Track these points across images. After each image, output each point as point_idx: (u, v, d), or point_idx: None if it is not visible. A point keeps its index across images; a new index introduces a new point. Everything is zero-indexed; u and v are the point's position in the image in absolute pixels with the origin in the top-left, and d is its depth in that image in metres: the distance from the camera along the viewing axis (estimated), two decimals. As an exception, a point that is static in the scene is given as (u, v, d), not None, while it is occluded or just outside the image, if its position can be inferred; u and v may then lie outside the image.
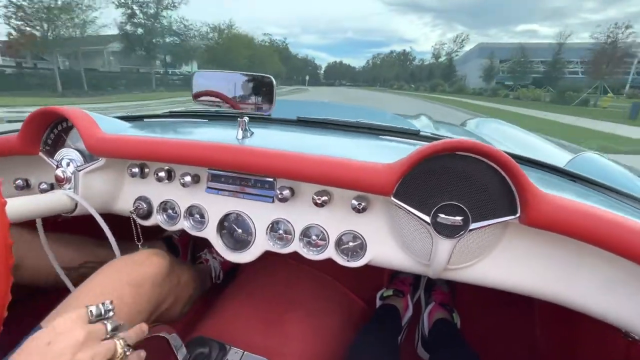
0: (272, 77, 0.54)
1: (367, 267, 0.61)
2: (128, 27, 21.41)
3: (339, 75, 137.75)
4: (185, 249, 1.11)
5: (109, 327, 0.41)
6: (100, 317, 0.42)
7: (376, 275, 1.13)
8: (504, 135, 1.39)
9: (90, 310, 0.41)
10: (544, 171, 0.69)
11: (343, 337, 0.86)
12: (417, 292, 1.09)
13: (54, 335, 0.38)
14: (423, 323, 0.98)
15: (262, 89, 0.56)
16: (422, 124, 1.26)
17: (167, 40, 23.38)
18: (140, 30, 21.50)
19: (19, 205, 0.54)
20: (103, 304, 0.43)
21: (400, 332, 0.95)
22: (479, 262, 0.52)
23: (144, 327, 0.47)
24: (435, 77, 61.14)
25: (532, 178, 0.45)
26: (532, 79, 39.38)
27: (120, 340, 0.41)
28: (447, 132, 1.12)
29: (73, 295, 0.55)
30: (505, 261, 0.51)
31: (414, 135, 0.79)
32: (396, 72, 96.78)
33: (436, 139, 0.77)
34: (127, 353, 0.41)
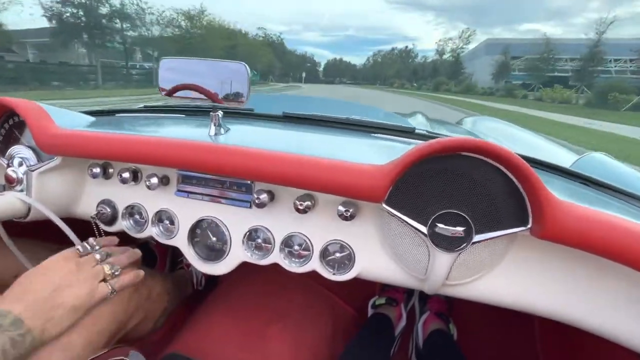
0: (245, 64, 0.47)
1: None
2: (59, 7, 16.75)
3: (338, 72, 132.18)
4: (163, 255, 1.03)
5: (97, 256, 0.50)
6: (87, 252, 0.50)
7: (368, 282, 1.06)
8: (503, 134, 1.33)
9: (78, 249, 0.50)
10: (550, 173, 0.63)
11: (332, 349, 0.80)
12: (412, 300, 1.03)
13: (45, 269, 0.46)
14: (417, 333, 0.92)
15: (235, 78, 0.49)
16: (418, 122, 1.20)
17: (116, 25, 19.05)
18: (77, 13, 17.11)
19: None
20: (87, 241, 0.51)
21: (393, 343, 0.89)
22: (482, 278, 0.46)
23: (140, 273, 0.54)
24: (439, 75, 56.34)
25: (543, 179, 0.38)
26: (556, 77, 33.09)
27: (107, 265, 0.49)
28: (445, 131, 1.05)
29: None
30: (512, 278, 0.45)
31: (409, 133, 0.72)
32: (397, 69, 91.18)
33: (433, 137, 0.71)
34: (116, 273, 0.49)
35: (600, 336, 0.43)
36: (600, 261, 0.37)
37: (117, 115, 0.85)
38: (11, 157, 0.60)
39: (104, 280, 0.48)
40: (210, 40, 24.98)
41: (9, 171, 0.58)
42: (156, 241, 1.03)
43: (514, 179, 0.38)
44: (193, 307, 0.88)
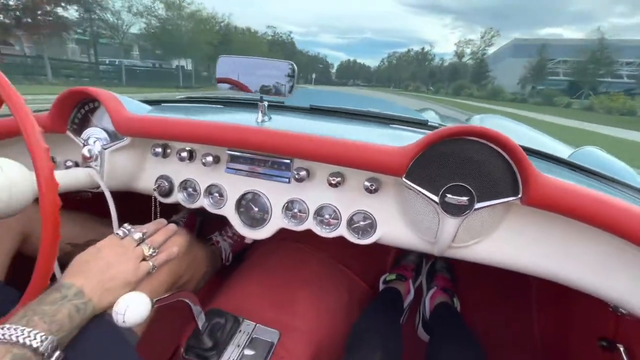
0: (294, 64, 0.58)
1: (372, 253, 0.64)
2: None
3: (352, 74, 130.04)
4: (190, 232, 1.16)
5: (136, 236, 0.58)
6: (126, 235, 0.58)
7: (380, 260, 1.17)
8: (508, 131, 1.42)
9: (118, 233, 0.58)
10: (546, 161, 0.73)
11: (349, 315, 0.91)
12: (419, 278, 1.14)
13: (97, 250, 0.55)
14: (425, 306, 1.02)
15: (284, 75, 0.60)
16: (430, 116, 1.29)
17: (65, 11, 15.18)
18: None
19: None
20: (124, 226, 0.60)
21: (401, 314, 1.00)
22: (482, 241, 0.56)
23: (174, 251, 0.62)
24: (459, 78, 52.45)
25: (535, 166, 0.48)
26: (605, 83, 29.16)
27: (146, 246, 0.58)
28: (454, 124, 1.15)
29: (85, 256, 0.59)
30: (506, 240, 0.55)
31: (423, 125, 0.82)
32: (413, 72, 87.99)
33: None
34: (154, 254, 0.58)
35: (581, 290, 0.53)
36: (575, 224, 0.47)
37: (162, 104, 0.96)
38: (87, 137, 0.72)
39: (144, 259, 0.56)
40: (196, 34, 22.04)
41: (85, 150, 0.70)
42: (185, 220, 1.15)
43: (508, 158, 0.48)
44: (224, 279, 1.00)
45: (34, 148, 0.43)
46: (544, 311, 0.97)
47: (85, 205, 0.80)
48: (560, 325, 0.87)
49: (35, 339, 0.37)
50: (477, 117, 1.86)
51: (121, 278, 0.51)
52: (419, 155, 0.52)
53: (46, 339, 0.38)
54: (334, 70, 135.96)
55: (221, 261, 1.13)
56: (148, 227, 0.62)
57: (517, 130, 1.45)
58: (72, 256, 0.77)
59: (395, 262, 1.17)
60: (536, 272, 0.55)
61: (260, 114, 0.66)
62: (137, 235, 0.58)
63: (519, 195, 0.49)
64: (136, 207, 0.78)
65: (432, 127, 0.82)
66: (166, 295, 0.56)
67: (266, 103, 0.66)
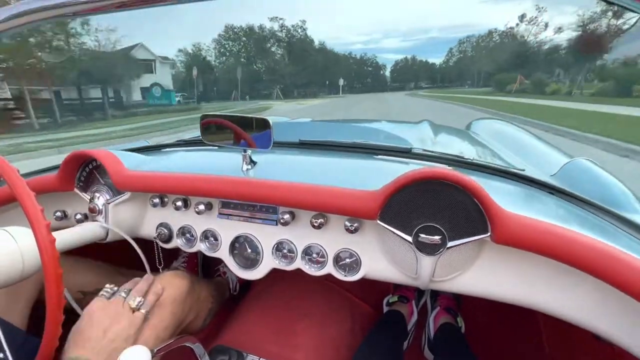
0: (269, 120, 0.62)
1: None
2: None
3: (411, 75, 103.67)
4: (193, 273, 1.20)
5: (123, 294, 0.61)
6: (111, 294, 0.61)
7: (382, 282, 1.18)
8: (505, 138, 1.42)
9: (103, 294, 0.61)
10: (527, 185, 0.73)
11: (351, 342, 0.93)
12: (423, 298, 1.14)
13: (89, 317, 0.57)
14: (429, 326, 1.02)
15: (260, 130, 0.64)
16: (422, 133, 1.31)
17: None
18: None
19: (64, 238, 0.64)
20: (106, 287, 0.62)
21: (406, 337, 1.01)
22: (462, 275, 0.58)
23: (158, 288, 0.66)
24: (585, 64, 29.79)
25: (514, 193, 0.49)
26: None
27: (131, 300, 0.60)
28: (444, 144, 1.16)
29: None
30: (484, 274, 0.56)
31: (406, 153, 0.85)
32: (498, 60, 54.10)
33: (426, 156, 0.83)
34: (141, 302, 0.61)
35: (557, 317, 0.54)
36: (547, 260, 0.49)
37: (162, 150, 1.03)
38: (92, 193, 0.78)
39: (136, 309, 0.59)
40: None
41: (92, 204, 0.76)
42: (193, 257, 1.20)
43: (474, 198, 0.50)
44: (231, 309, 1.04)
45: (28, 210, 0.47)
46: (553, 331, 0.96)
47: (91, 254, 0.86)
48: (571, 345, 0.86)
49: None
50: (478, 123, 1.86)
51: (121, 335, 0.55)
52: (390, 198, 0.54)
53: None
54: (386, 73, 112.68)
55: (229, 291, 1.17)
56: (130, 283, 0.65)
57: (514, 138, 1.44)
58: (82, 303, 0.83)
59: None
60: (518, 303, 0.56)
61: (244, 164, 0.70)
62: (124, 292, 0.61)
63: (488, 234, 0.51)
64: (135, 256, 0.83)
65: (416, 155, 0.85)
66: (166, 344, 0.60)
67: (250, 151, 0.71)
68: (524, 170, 0.82)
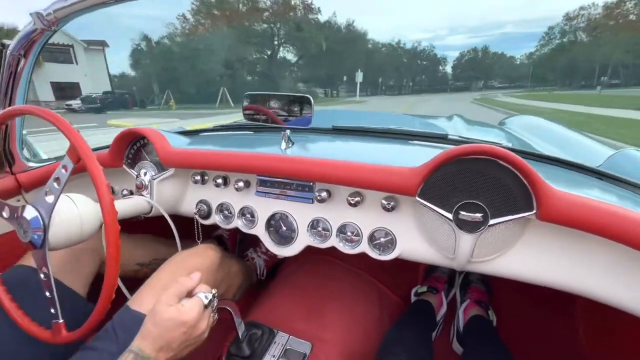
0: (310, 97, 0.63)
1: (401, 264, 0.67)
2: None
3: (483, 71, 79.20)
4: (233, 246, 1.25)
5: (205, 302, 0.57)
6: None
7: (411, 272, 1.17)
8: (542, 132, 1.37)
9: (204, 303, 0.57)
10: (572, 170, 0.71)
11: (379, 328, 0.93)
12: (453, 290, 1.12)
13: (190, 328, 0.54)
14: (458, 319, 1.01)
15: (303, 107, 0.66)
16: (455, 125, 1.29)
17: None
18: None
19: (118, 208, 0.69)
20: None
21: (435, 328, 0.99)
22: (502, 255, 0.57)
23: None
24: None
25: (559, 177, 0.48)
26: None
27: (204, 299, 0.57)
28: (478, 134, 1.14)
29: (150, 281, 0.68)
30: (526, 255, 0.55)
31: (442, 139, 0.84)
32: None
33: (463, 142, 0.82)
34: (214, 301, 0.58)
35: (607, 304, 0.52)
36: (597, 238, 0.47)
37: (200, 134, 1.07)
38: (139, 170, 0.83)
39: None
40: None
41: (138, 180, 0.81)
42: (229, 234, 1.24)
43: (519, 174, 0.49)
44: (259, 292, 1.07)
45: (98, 186, 0.52)
46: (590, 324, 0.92)
47: (144, 228, 0.91)
48: (609, 339, 0.82)
49: None
50: (512, 119, 1.80)
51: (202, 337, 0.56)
52: (431, 175, 0.54)
53: None
54: (447, 69, 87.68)
55: (256, 276, 1.20)
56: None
57: (552, 131, 1.38)
58: (140, 274, 0.88)
59: (426, 273, 1.16)
60: (559, 286, 0.54)
61: (283, 142, 0.72)
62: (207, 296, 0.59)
63: (534, 211, 0.50)
64: (184, 226, 0.88)
65: (452, 141, 0.83)
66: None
67: (288, 131, 0.73)
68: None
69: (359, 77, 28.21)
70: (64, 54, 24.46)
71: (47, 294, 0.55)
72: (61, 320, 0.55)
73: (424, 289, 1.07)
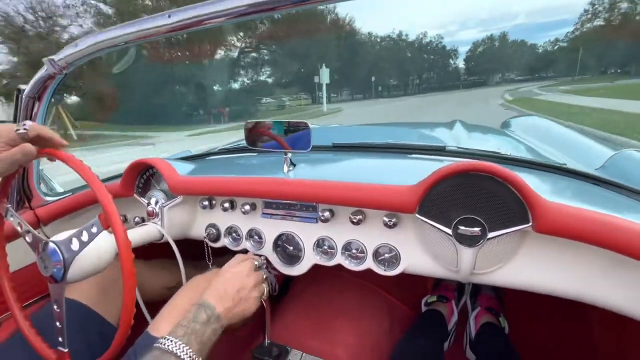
0: (307, 123, 0.66)
1: (410, 275, 0.68)
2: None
3: (502, 63, 67.89)
4: None
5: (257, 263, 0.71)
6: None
7: (420, 282, 1.18)
8: (543, 134, 1.37)
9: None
10: (571, 177, 0.72)
11: (390, 340, 0.94)
12: (463, 298, 1.12)
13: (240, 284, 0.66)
14: (470, 327, 1.01)
15: (299, 132, 0.69)
16: (456, 132, 1.30)
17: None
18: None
19: (131, 237, 0.72)
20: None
21: (447, 337, 1.00)
22: (503, 267, 0.58)
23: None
24: None
25: (556, 184, 0.49)
26: None
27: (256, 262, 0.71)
28: (478, 142, 1.15)
29: (167, 306, 0.70)
30: (527, 265, 0.56)
31: (440, 151, 0.86)
32: None
33: (461, 153, 0.84)
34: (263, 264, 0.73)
35: (611, 310, 0.52)
36: (591, 247, 0.48)
37: (206, 159, 1.11)
38: (149, 198, 0.86)
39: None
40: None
41: (149, 208, 0.84)
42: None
43: (512, 189, 0.51)
44: (272, 308, 1.09)
45: (111, 218, 0.55)
46: (605, 330, 0.91)
47: (166, 253, 0.94)
48: (624, 344, 0.82)
49: (190, 356, 0.51)
50: (515, 120, 1.81)
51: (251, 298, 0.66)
52: (428, 192, 0.56)
53: (198, 358, 0.52)
54: (459, 64, 74.80)
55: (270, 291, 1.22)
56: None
57: (553, 133, 1.39)
58: (167, 297, 0.91)
59: (436, 283, 1.17)
60: (562, 294, 0.55)
61: (285, 166, 0.75)
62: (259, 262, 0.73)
63: (530, 224, 0.51)
64: (191, 249, 0.91)
65: (450, 152, 0.85)
66: None
67: (290, 154, 0.76)
68: (565, 164, 0.80)
69: (324, 76, 19.91)
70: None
71: (58, 324, 0.58)
72: (66, 350, 0.58)
73: (434, 298, 1.07)
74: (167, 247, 0.88)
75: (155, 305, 0.74)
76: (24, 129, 0.56)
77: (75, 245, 0.56)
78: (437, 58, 69.83)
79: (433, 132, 1.21)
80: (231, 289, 0.63)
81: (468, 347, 0.98)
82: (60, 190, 1.04)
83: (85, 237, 0.56)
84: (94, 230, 0.55)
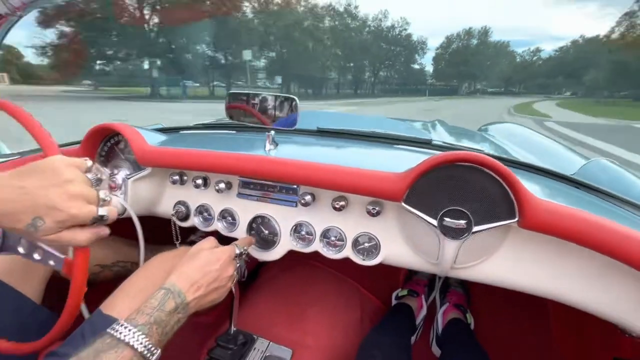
0: (296, 98, 0.62)
1: (383, 268, 0.66)
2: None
3: (482, 67, 56.69)
4: None
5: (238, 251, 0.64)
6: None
7: (392, 275, 1.18)
8: (520, 140, 1.41)
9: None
10: (551, 178, 0.73)
11: (361, 332, 0.92)
12: (433, 293, 1.14)
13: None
14: (437, 322, 1.02)
15: (288, 107, 0.64)
16: (437, 131, 1.31)
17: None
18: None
19: None
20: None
21: (414, 331, 1.00)
22: (484, 262, 0.57)
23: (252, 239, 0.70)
24: None
25: (540, 185, 0.49)
26: None
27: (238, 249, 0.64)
28: (461, 140, 1.16)
29: (124, 285, 0.64)
30: (507, 262, 0.56)
31: (427, 144, 0.84)
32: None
33: (447, 148, 0.83)
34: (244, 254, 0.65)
35: (587, 311, 0.53)
36: (577, 247, 0.48)
37: (180, 132, 1.03)
38: (112, 168, 0.78)
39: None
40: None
41: (111, 179, 0.76)
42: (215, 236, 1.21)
43: (502, 182, 0.50)
44: (240, 293, 1.04)
45: None
46: (562, 328, 0.95)
47: (110, 228, 0.86)
48: (579, 342, 0.85)
49: (149, 351, 0.44)
50: (492, 126, 1.85)
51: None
52: (417, 180, 0.54)
53: (156, 351, 0.45)
54: (427, 62, 60.29)
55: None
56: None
57: (529, 139, 1.43)
58: (100, 276, 0.83)
59: (407, 277, 1.17)
60: (538, 292, 0.55)
61: (268, 143, 0.70)
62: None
63: (516, 219, 0.50)
64: (158, 229, 0.84)
65: (436, 146, 0.84)
66: None
67: (273, 132, 0.71)
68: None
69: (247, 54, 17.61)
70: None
71: None
72: None
73: (405, 292, 1.07)
74: (116, 223, 0.81)
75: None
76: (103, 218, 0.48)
77: None
78: (400, 51, 51.88)
79: (417, 127, 1.21)
80: (206, 278, 0.55)
81: (434, 342, 0.99)
82: (8, 152, 0.93)
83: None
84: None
